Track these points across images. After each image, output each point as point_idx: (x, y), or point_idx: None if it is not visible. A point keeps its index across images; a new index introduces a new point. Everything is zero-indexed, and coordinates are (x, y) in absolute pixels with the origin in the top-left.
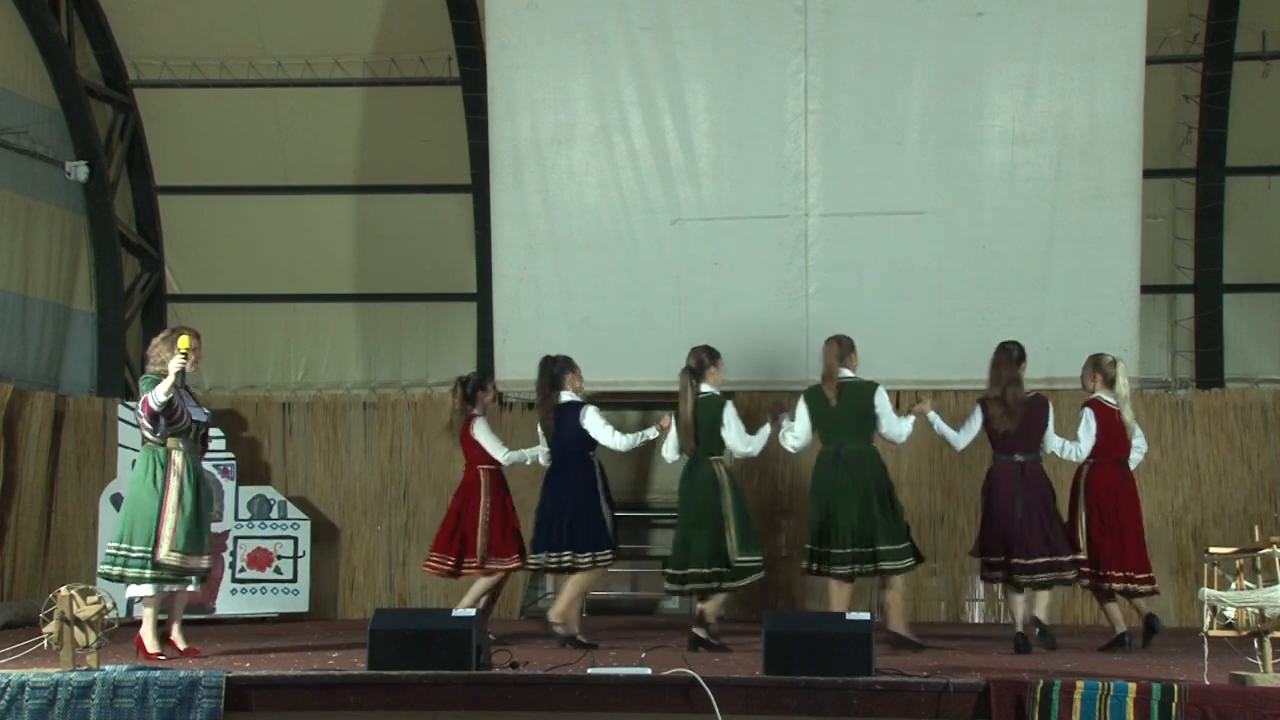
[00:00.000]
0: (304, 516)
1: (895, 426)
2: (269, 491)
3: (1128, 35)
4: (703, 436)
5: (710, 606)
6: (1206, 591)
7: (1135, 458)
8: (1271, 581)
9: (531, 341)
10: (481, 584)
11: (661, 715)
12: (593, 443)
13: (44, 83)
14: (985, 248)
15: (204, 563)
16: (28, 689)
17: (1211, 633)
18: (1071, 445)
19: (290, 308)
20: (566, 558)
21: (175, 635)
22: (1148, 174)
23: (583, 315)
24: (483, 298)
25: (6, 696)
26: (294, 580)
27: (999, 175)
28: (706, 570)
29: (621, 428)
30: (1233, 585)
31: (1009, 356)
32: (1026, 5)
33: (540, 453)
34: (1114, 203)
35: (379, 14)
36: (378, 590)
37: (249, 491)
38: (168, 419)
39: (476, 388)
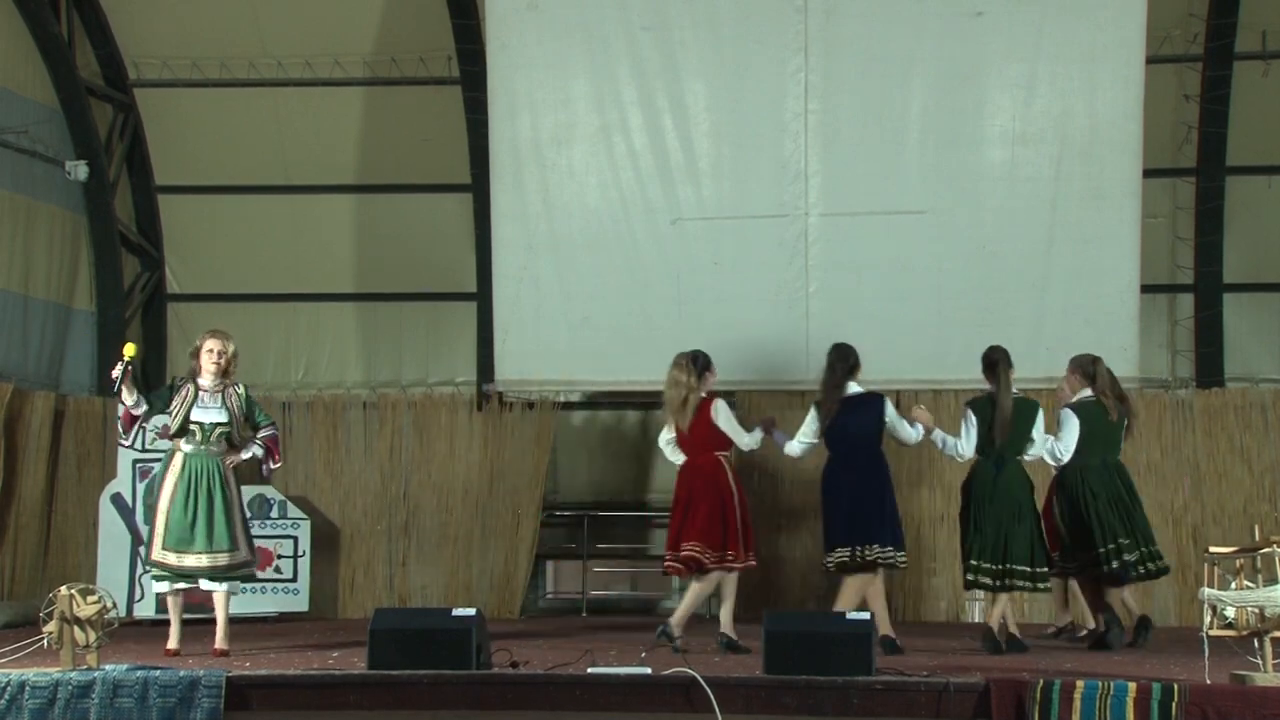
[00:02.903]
0: (304, 516)
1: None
2: (269, 491)
3: (1128, 35)
4: (1016, 436)
5: (1007, 609)
6: (1206, 591)
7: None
8: (1271, 581)
9: (531, 341)
10: (730, 580)
11: (661, 715)
12: (882, 436)
13: (44, 83)
14: (985, 248)
15: (202, 560)
16: (28, 689)
17: (1211, 633)
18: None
19: (290, 307)
20: (862, 553)
21: (217, 634)
22: (1148, 174)
23: (583, 315)
24: (483, 298)
25: (6, 696)
26: (294, 580)
27: (999, 175)
28: (1030, 569)
29: (619, 428)
30: (1233, 585)
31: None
32: (1026, 5)
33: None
34: (1114, 203)
35: (379, 14)
36: (378, 590)
37: (249, 491)
38: (139, 424)
39: (705, 368)
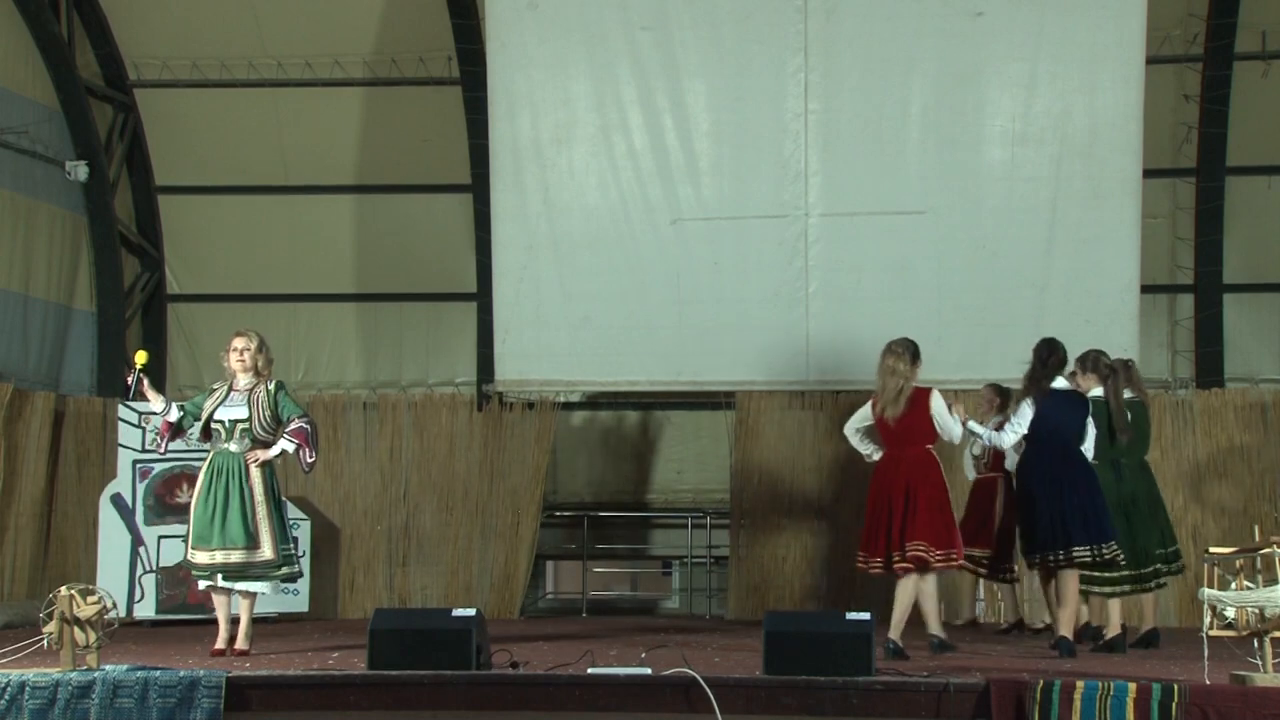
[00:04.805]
0: (304, 516)
1: None
2: None
3: (1128, 35)
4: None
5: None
6: (1206, 591)
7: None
8: (1271, 581)
9: (531, 341)
10: (933, 580)
11: (661, 715)
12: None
13: (44, 83)
14: (985, 248)
15: (215, 558)
16: (28, 689)
17: (1211, 633)
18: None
19: (290, 308)
20: (1100, 551)
21: (238, 633)
22: (1148, 174)
23: (583, 315)
24: (483, 298)
25: (6, 696)
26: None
27: (999, 175)
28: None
29: (619, 428)
30: (1233, 585)
31: None
32: (1026, 5)
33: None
34: (1114, 203)
35: (379, 14)
36: (378, 590)
37: None
38: (176, 429)
39: (916, 357)
